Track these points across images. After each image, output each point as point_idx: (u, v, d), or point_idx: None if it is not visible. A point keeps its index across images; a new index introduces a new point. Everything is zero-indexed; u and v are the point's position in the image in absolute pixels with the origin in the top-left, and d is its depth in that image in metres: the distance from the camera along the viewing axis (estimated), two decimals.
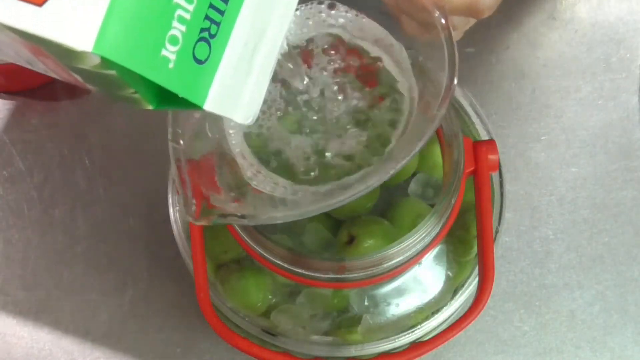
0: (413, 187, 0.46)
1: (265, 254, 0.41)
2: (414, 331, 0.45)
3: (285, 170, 0.39)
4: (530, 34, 0.60)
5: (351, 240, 0.43)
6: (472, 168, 0.43)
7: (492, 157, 0.43)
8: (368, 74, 0.40)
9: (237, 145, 0.39)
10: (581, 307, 0.55)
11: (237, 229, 0.42)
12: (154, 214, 0.57)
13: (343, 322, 0.45)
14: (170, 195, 0.48)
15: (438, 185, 0.45)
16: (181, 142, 0.37)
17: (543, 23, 0.61)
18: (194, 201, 0.35)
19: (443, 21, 0.37)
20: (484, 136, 0.48)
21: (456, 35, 0.43)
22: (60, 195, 0.58)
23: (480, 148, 0.43)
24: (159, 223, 0.56)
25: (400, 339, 0.45)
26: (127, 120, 0.59)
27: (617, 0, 0.61)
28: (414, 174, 0.48)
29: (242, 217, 0.35)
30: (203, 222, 0.35)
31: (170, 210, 0.48)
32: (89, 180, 0.59)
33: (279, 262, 0.41)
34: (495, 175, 0.47)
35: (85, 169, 0.59)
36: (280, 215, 0.35)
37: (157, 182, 0.57)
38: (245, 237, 0.41)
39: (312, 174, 0.38)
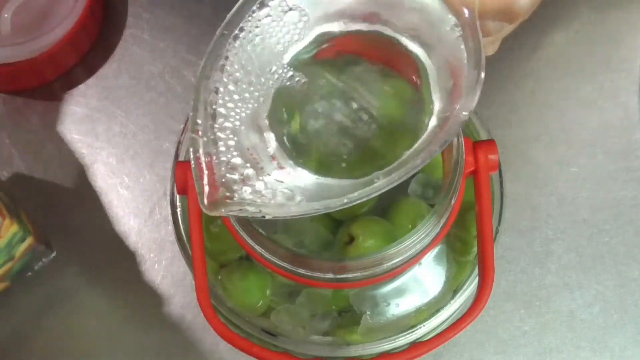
0: (413, 187, 0.46)
1: (265, 254, 0.41)
2: (414, 331, 0.45)
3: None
4: (531, 34, 0.60)
5: (351, 240, 0.43)
6: (472, 168, 0.43)
7: (492, 157, 0.43)
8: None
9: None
10: (581, 307, 0.55)
11: (238, 228, 0.42)
12: (154, 214, 0.57)
13: (343, 322, 0.45)
14: (170, 195, 0.48)
15: (438, 185, 0.45)
16: (200, 133, 0.37)
17: (543, 23, 0.61)
18: (207, 191, 0.36)
19: (471, 24, 0.36)
20: (484, 136, 0.48)
21: (491, 42, 0.42)
22: None
23: (480, 148, 0.43)
24: (159, 223, 0.56)
25: (400, 339, 0.45)
26: (127, 121, 0.59)
27: (617, 0, 0.61)
28: (414, 174, 0.47)
29: (259, 211, 0.35)
30: (216, 213, 0.35)
31: (170, 210, 0.48)
32: None
33: (279, 262, 0.41)
34: (495, 175, 0.47)
35: None
36: (295, 210, 0.35)
37: (158, 182, 0.57)
38: (246, 237, 0.41)
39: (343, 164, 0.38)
